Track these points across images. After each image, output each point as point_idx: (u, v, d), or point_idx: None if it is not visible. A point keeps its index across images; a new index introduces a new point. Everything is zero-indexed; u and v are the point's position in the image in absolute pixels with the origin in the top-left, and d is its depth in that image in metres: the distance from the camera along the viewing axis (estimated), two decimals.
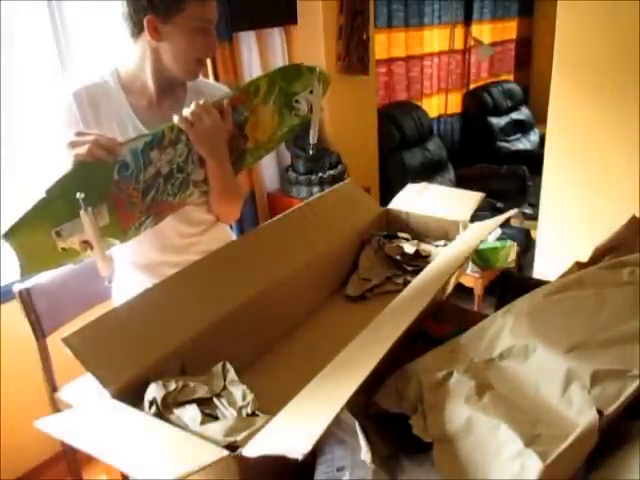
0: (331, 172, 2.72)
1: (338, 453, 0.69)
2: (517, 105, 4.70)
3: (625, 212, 1.07)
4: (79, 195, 0.87)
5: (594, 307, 0.81)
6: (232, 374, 0.86)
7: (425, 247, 1.35)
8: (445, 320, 1.14)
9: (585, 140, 2.27)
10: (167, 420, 0.76)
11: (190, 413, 0.77)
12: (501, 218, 1.23)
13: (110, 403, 0.78)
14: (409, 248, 1.31)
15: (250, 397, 0.80)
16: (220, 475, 0.68)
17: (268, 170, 2.87)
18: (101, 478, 1.98)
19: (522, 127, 4.65)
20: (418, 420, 0.73)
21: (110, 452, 0.67)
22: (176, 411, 0.77)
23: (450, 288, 1.22)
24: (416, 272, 1.18)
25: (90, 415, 0.77)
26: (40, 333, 1.60)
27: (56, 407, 1.65)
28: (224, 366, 0.88)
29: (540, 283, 0.98)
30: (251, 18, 2.52)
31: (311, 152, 1.43)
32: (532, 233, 2.90)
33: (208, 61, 2.35)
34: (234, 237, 1.50)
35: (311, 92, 1.24)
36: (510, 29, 4.91)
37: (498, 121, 4.45)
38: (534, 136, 4.69)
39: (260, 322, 1.05)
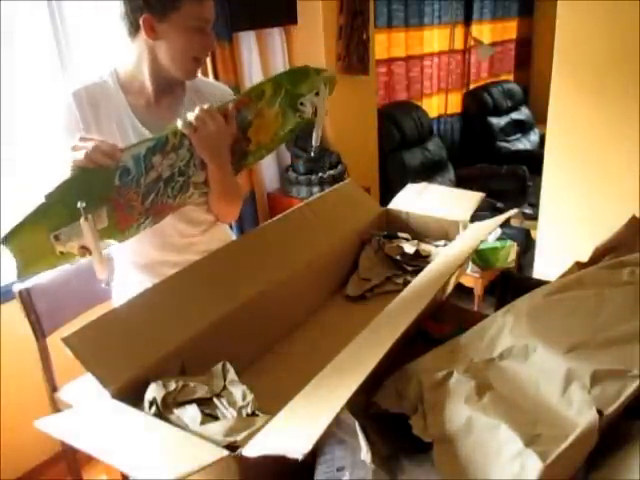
0: (331, 172, 2.72)
1: (338, 453, 0.69)
2: (517, 105, 4.70)
3: (625, 212, 1.07)
4: (80, 204, 0.87)
5: (594, 307, 0.81)
6: (232, 374, 0.86)
7: (425, 247, 1.35)
8: (445, 320, 1.14)
9: (585, 140, 2.27)
10: (167, 420, 0.76)
11: (190, 413, 0.77)
12: (501, 218, 1.23)
13: (110, 403, 0.78)
14: (409, 248, 1.31)
15: (250, 397, 0.80)
16: (220, 475, 0.68)
17: (268, 170, 2.87)
18: (101, 478, 1.98)
19: (522, 127, 4.65)
20: (418, 420, 0.73)
21: (110, 452, 0.67)
22: (176, 411, 0.77)
23: (450, 288, 1.22)
24: (416, 272, 1.18)
25: (90, 415, 0.77)
26: (40, 333, 1.60)
27: (56, 407, 1.65)
28: (224, 366, 0.88)
29: (540, 283, 0.98)
30: (251, 18, 2.52)
31: (313, 154, 1.43)
32: (532, 233, 2.90)
33: (208, 61, 2.35)
34: (234, 237, 1.50)
35: (317, 94, 1.23)
36: (510, 29, 4.91)
37: (498, 121, 4.45)
38: (534, 136, 4.69)
39: (260, 322, 1.05)
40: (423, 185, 1.53)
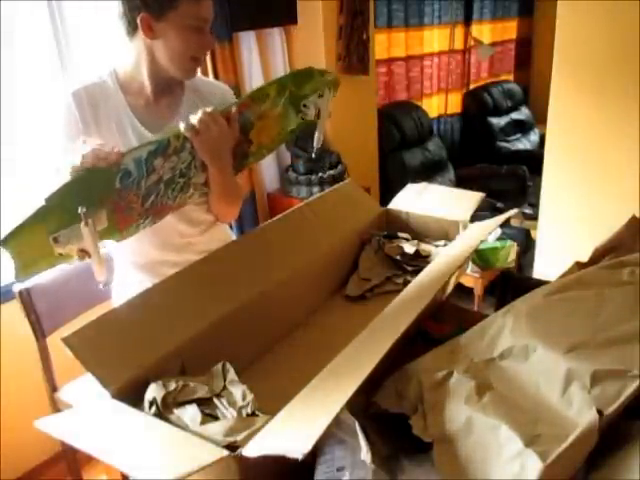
0: (331, 172, 2.72)
1: (338, 453, 0.69)
2: (517, 105, 4.71)
3: (625, 212, 1.07)
4: (81, 210, 0.87)
5: (594, 307, 0.81)
6: (232, 374, 0.86)
7: (425, 247, 1.35)
8: (445, 320, 1.14)
9: (585, 140, 2.27)
10: (167, 420, 0.76)
11: (190, 413, 0.77)
12: (501, 218, 1.23)
13: (110, 403, 0.78)
14: (409, 248, 1.31)
15: (250, 397, 0.80)
16: (220, 475, 0.68)
17: (268, 170, 2.87)
18: (101, 478, 1.98)
19: (522, 127, 4.65)
20: (418, 420, 0.73)
21: (110, 452, 0.67)
22: (176, 411, 0.77)
23: (450, 288, 1.22)
24: (416, 272, 1.18)
25: (90, 415, 0.77)
26: (40, 333, 1.60)
27: (56, 407, 1.65)
28: (224, 366, 0.88)
29: (540, 283, 0.98)
30: (251, 18, 2.52)
31: (314, 155, 1.43)
32: (532, 233, 2.90)
33: (208, 61, 2.35)
34: (234, 237, 1.50)
35: (320, 96, 1.22)
36: (510, 29, 4.92)
37: (498, 121, 4.45)
38: (534, 136, 4.69)
39: (260, 322, 1.05)
40: (423, 185, 1.53)
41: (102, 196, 0.93)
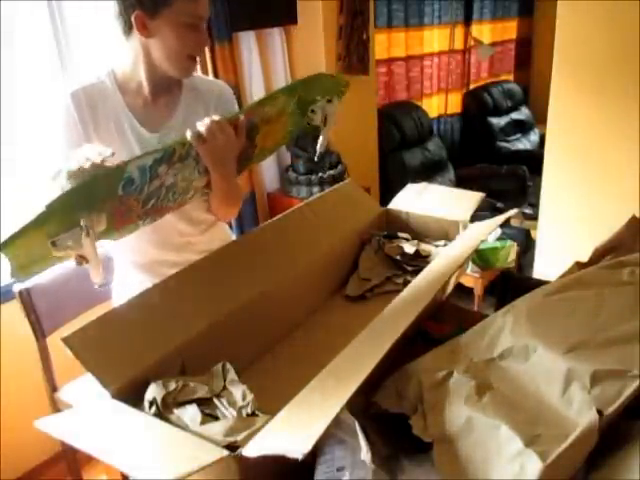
0: (331, 172, 2.72)
1: (338, 453, 0.69)
2: (517, 105, 4.71)
3: (625, 212, 1.07)
4: (83, 223, 0.87)
5: (594, 307, 0.81)
6: (232, 374, 0.86)
7: (425, 247, 1.35)
8: (445, 320, 1.14)
9: (585, 140, 2.27)
10: (167, 420, 0.76)
11: (190, 413, 0.77)
12: (501, 218, 1.23)
13: (110, 403, 0.78)
14: (409, 248, 1.31)
15: (250, 397, 0.80)
16: (220, 475, 0.68)
17: (268, 170, 2.87)
18: (101, 478, 1.98)
19: (522, 127, 4.65)
20: (418, 420, 0.73)
21: (110, 452, 0.67)
22: (176, 411, 0.77)
23: (450, 288, 1.22)
24: (416, 272, 1.18)
25: (90, 415, 0.77)
26: (40, 333, 1.60)
27: (56, 407, 1.65)
28: (224, 366, 0.88)
29: (540, 283, 0.98)
30: (251, 18, 2.52)
31: (316, 159, 1.42)
32: (532, 233, 2.90)
33: (208, 61, 2.35)
34: (234, 237, 1.50)
35: (329, 101, 1.21)
36: (510, 29, 4.92)
37: (498, 121, 4.45)
38: (534, 136, 4.69)
39: (260, 322, 1.05)
40: (423, 185, 1.53)
41: (103, 202, 0.93)
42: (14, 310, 1.61)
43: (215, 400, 0.81)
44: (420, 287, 1.02)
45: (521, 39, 5.06)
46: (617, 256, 0.97)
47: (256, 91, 2.66)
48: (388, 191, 3.18)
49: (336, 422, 0.65)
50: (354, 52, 2.91)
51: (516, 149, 4.44)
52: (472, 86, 4.60)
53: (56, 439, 0.72)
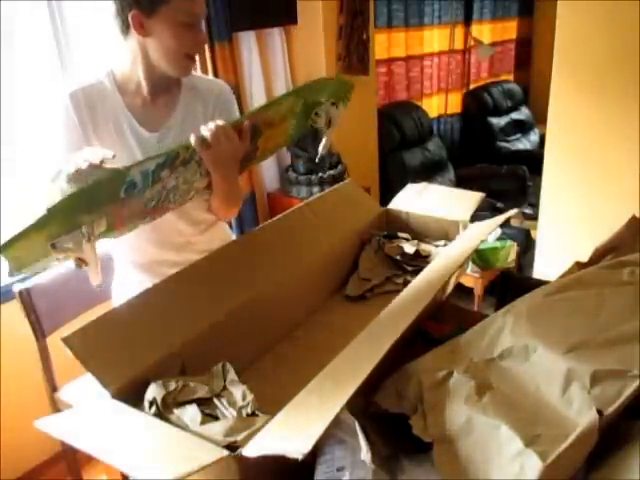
0: (331, 172, 2.72)
1: (338, 453, 0.69)
2: (517, 105, 4.70)
3: (625, 212, 1.07)
4: (84, 229, 0.86)
5: (594, 307, 0.81)
6: (232, 374, 0.86)
7: (425, 247, 1.35)
8: (445, 320, 1.14)
9: (585, 140, 2.27)
10: (167, 420, 0.76)
11: (190, 413, 0.77)
12: (501, 218, 1.23)
13: (110, 403, 0.78)
14: (409, 248, 1.31)
15: (250, 397, 0.80)
16: (220, 475, 0.68)
17: (268, 170, 2.87)
18: (101, 478, 1.98)
19: (522, 127, 4.65)
20: (418, 420, 0.73)
21: (110, 452, 0.67)
22: (176, 411, 0.77)
23: (450, 288, 1.22)
24: (416, 272, 1.18)
25: (90, 415, 0.77)
26: (40, 333, 1.60)
27: (56, 407, 1.65)
28: (224, 366, 0.88)
29: (540, 283, 0.98)
30: (251, 18, 2.52)
31: (317, 160, 1.42)
32: (532, 233, 2.90)
33: (208, 61, 2.35)
34: (234, 237, 1.50)
35: (333, 104, 1.20)
36: (510, 29, 4.92)
37: (498, 121, 4.45)
38: (534, 136, 4.69)
39: (260, 322, 1.05)
40: (423, 185, 1.53)
41: (105, 205, 0.93)
42: (14, 310, 1.61)
43: (215, 400, 0.81)
44: (420, 287, 1.02)
45: (521, 39, 5.06)
46: (617, 256, 0.97)
47: (256, 91, 2.66)
48: (388, 191, 3.18)
49: (336, 422, 0.65)
50: (354, 52, 2.91)
51: (516, 149, 4.44)
52: (472, 86, 4.60)
53: (56, 439, 0.72)
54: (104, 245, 1.18)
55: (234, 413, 0.78)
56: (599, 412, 0.63)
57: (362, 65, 2.98)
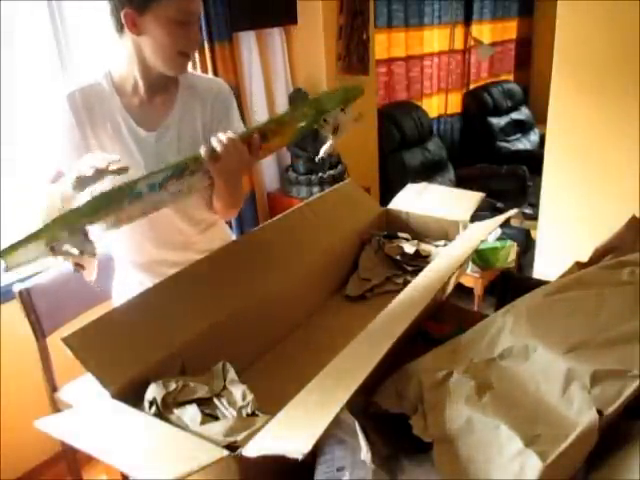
0: (331, 172, 2.72)
1: (338, 453, 0.69)
2: (517, 105, 4.70)
3: (625, 212, 1.07)
4: (89, 245, 0.87)
5: (594, 307, 0.81)
6: (232, 374, 0.86)
7: (425, 247, 1.35)
8: (445, 320, 1.14)
9: (585, 140, 2.27)
10: (167, 420, 0.76)
11: (190, 413, 0.77)
12: (501, 218, 1.23)
13: (110, 403, 0.78)
14: (409, 248, 1.31)
15: (250, 397, 0.80)
16: (220, 475, 0.68)
17: (268, 170, 2.87)
18: (101, 478, 1.98)
19: (522, 127, 4.65)
20: (418, 420, 0.73)
21: (110, 452, 0.67)
22: (176, 411, 0.77)
23: (450, 288, 1.22)
24: (416, 272, 1.18)
25: (90, 415, 0.77)
26: (40, 333, 1.60)
27: (56, 407, 1.65)
28: (224, 366, 0.88)
29: (540, 283, 0.98)
30: (251, 18, 2.52)
31: (318, 161, 1.42)
32: (532, 233, 2.90)
33: (208, 61, 2.35)
34: (234, 237, 1.50)
35: (342, 110, 1.19)
36: (510, 29, 4.91)
37: (498, 121, 4.45)
38: (534, 136, 4.69)
39: (260, 322, 1.05)
40: (423, 185, 1.53)
41: (107, 214, 0.93)
42: (14, 310, 1.61)
43: (215, 400, 0.81)
44: (420, 287, 1.02)
45: (521, 39, 5.06)
46: (617, 256, 0.97)
47: (256, 91, 2.66)
48: (388, 191, 3.18)
49: (336, 422, 0.65)
50: (354, 52, 2.91)
51: (516, 149, 4.44)
52: (472, 86, 4.60)
53: (56, 439, 0.72)
54: (104, 245, 1.18)
55: (234, 413, 0.78)
56: (599, 412, 0.63)
57: (362, 65, 2.98)
